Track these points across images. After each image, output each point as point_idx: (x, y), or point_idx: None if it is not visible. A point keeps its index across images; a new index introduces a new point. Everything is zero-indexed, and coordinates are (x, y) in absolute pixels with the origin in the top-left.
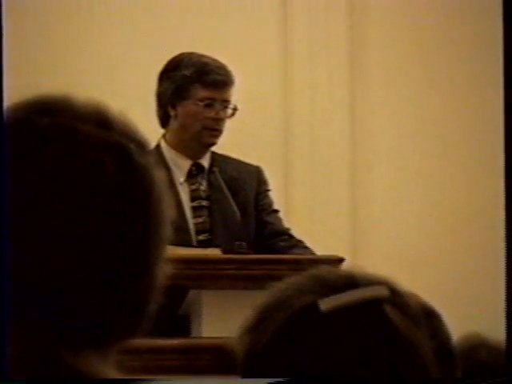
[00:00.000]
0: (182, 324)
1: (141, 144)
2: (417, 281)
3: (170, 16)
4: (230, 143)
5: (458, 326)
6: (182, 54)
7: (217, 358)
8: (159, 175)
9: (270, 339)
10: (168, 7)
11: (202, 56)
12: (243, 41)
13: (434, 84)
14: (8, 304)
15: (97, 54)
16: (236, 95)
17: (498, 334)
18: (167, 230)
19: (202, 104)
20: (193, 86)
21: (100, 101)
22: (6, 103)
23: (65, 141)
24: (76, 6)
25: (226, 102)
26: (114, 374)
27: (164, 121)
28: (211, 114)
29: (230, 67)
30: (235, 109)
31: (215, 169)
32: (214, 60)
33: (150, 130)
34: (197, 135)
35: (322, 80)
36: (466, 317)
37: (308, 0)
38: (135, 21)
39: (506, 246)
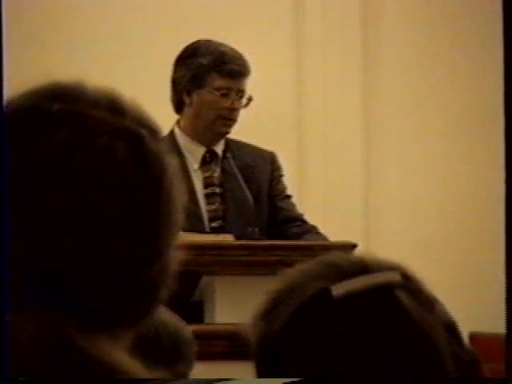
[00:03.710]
0: (195, 310)
1: (153, 130)
2: (429, 266)
3: (182, 3)
4: (244, 129)
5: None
6: (199, 41)
7: (230, 344)
8: (171, 162)
9: (283, 325)
10: None
11: (220, 44)
12: (256, 30)
13: (446, 80)
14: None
15: (108, 41)
16: (250, 82)
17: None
18: (179, 217)
19: (218, 93)
20: (209, 75)
21: (112, 87)
22: (15, 91)
23: (76, 127)
24: None
25: (241, 92)
26: (127, 360)
27: (178, 107)
28: (227, 103)
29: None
30: (250, 99)
31: (229, 155)
32: (231, 49)
33: (162, 117)
34: (211, 124)
35: (334, 66)
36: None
37: None
38: (148, 8)
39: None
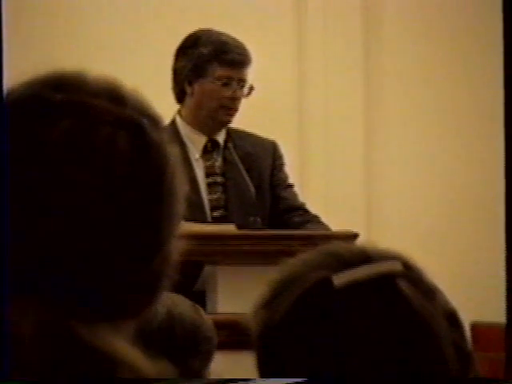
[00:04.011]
0: (197, 300)
1: (154, 120)
2: (430, 255)
3: None
4: (245, 119)
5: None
6: (200, 31)
7: (232, 333)
8: (173, 151)
9: (284, 314)
10: None
11: (221, 34)
12: (257, 19)
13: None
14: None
15: (110, 30)
16: (251, 72)
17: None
18: (181, 206)
19: (219, 83)
20: (210, 65)
21: (113, 77)
22: (17, 80)
23: (78, 117)
24: None
25: (242, 81)
26: (129, 350)
27: (180, 97)
28: (228, 92)
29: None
30: (251, 88)
31: (230, 145)
32: (232, 39)
33: (164, 107)
34: (213, 113)
35: (336, 57)
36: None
37: None
38: None
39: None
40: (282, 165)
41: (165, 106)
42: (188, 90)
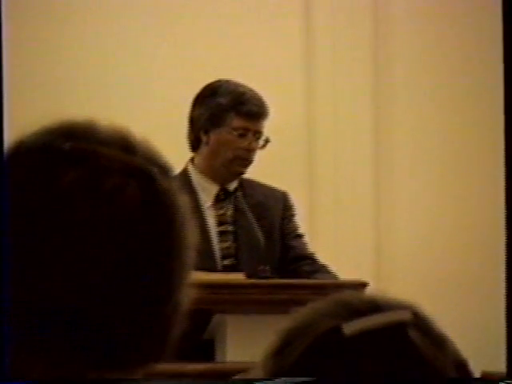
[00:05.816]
0: (206, 348)
1: (164, 169)
2: (440, 305)
3: (191, 40)
4: (255, 169)
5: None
6: (219, 81)
7: None
8: (183, 200)
9: (294, 363)
10: (190, 31)
11: (239, 85)
12: (266, 61)
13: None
14: (8, 305)
15: (119, 80)
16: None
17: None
18: (190, 255)
19: (235, 133)
20: (228, 115)
21: (123, 126)
22: (24, 129)
23: (87, 165)
24: (102, 30)
25: (258, 133)
26: None
27: (194, 145)
28: (244, 143)
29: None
30: (267, 140)
31: (239, 194)
32: (250, 90)
33: (175, 156)
34: (227, 163)
35: (345, 101)
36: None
37: (331, 13)
38: (158, 46)
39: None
40: (292, 215)
41: (174, 154)
42: (203, 138)
